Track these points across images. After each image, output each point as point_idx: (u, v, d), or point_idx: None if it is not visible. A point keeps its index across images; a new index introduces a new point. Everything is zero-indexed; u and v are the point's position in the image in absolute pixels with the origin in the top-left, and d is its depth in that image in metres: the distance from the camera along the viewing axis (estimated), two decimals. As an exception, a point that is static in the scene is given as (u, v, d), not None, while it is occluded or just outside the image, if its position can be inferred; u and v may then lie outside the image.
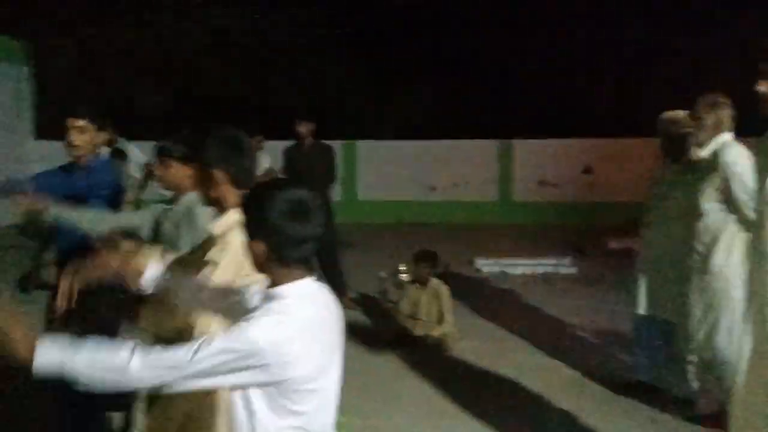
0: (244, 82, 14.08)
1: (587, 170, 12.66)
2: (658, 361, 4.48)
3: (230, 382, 1.67)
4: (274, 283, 1.73)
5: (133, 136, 8.71)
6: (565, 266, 8.51)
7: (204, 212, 2.79)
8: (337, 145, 10.13)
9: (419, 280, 5.91)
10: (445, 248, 9.30)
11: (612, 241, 9.49)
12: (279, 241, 1.68)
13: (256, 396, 1.67)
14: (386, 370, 5.16)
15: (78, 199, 3.47)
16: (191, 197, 2.95)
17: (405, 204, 12.68)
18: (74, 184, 3.56)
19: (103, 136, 3.56)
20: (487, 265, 8.60)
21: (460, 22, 13.86)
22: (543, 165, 12.69)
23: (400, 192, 12.73)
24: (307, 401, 1.69)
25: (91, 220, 3.30)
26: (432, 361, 5.34)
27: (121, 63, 15.05)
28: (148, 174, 6.93)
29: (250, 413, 1.69)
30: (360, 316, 6.50)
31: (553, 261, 8.64)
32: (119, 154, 7.52)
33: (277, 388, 1.65)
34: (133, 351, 1.65)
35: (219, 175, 2.35)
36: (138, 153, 8.10)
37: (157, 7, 13.99)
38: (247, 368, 1.61)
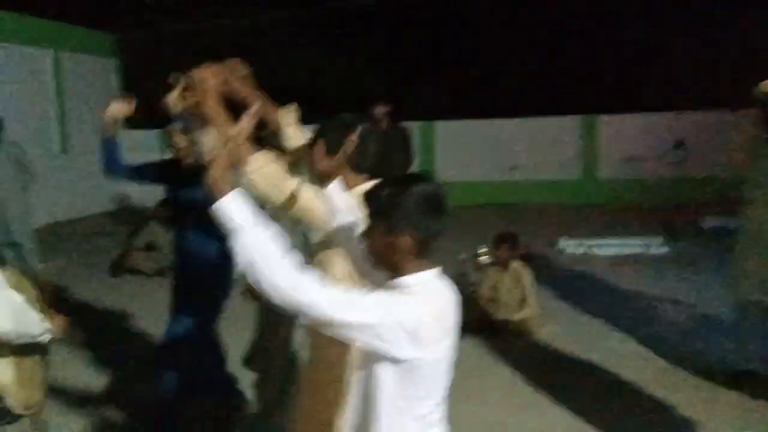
0: (322, 67, 14.09)
1: (678, 145, 12.02)
2: (762, 349, 4.15)
3: (372, 344, 1.67)
4: (400, 273, 1.77)
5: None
6: (656, 246, 8.09)
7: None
8: (414, 126, 10.02)
9: (500, 263, 5.73)
10: (526, 229, 9.07)
11: (706, 219, 9.04)
12: (425, 234, 1.74)
13: (383, 375, 1.71)
14: (466, 356, 5.01)
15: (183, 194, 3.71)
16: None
17: (485, 185, 12.42)
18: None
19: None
20: (571, 246, 8.29)
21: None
22: (630, 140, 12.13)
23: (479, 172, 12.46)
24: (427, 388, 1.74)
25: None
26: (514, 347, 5.17)
27: (200, 53, 15.37)
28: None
29: (372, 394, 1.74)
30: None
31: (642, 241, 8.23)
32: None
33: (402, 368, 1.69)
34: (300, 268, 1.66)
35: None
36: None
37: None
38: (386, 337, 1.64)
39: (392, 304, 1.67)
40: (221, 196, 1.71)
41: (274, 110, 2.71)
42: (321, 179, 2.23)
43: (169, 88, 3.51)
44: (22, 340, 1.98)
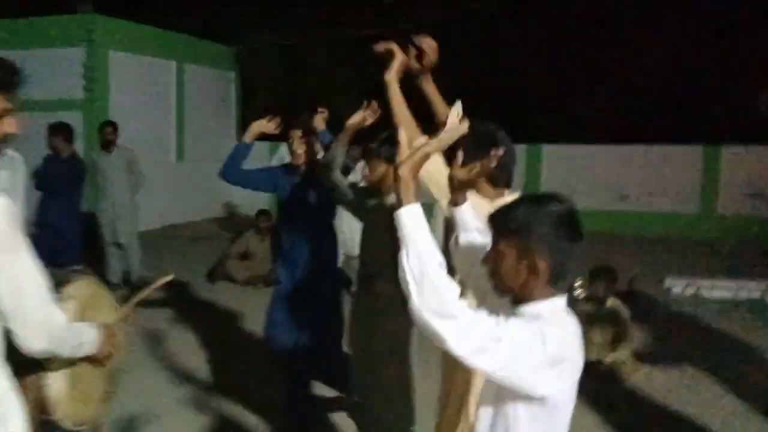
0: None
1: (811, 182, 11.04)
2: None
3: (512, 382, 1.56)
4: (527, 299, 1.65)
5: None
6: (776, 293, 7.39)
7: None
8: (520, 149, 9.71)
9: (594, 299, 5.39)
10: (633, 263, 8.59)
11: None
12: (561, 258, 1.62)
13: (520, 413, 1.60)
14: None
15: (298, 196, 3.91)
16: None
17: (592, 213, 11.88)
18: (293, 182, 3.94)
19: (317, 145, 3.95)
20: (679, 286, 7.71)
21: (657, 10, 12.71)
22: (756, 174, 11.26)
23: (587, 199, 11.94)
24: (561, 427, 1.64)
25: None
26: (603, 391, 4.80)
27: (315, 65, 15.74)
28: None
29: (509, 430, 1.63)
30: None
31: (760, 285, 7.54)
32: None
33: (539, 406, 1.58)
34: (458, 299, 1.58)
35: None
36: (285, 153, 8.55)
37: (359, 9, 14.30)
38: (527, 375, 1.53)
39: (534, 338, 1.54)
40: (405, 202, 1.64)
41: (444, 106, 2.64)
42: (453, 188, 2.11)
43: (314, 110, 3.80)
44: (63, 355, 1.95)
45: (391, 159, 2.96)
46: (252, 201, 12.00)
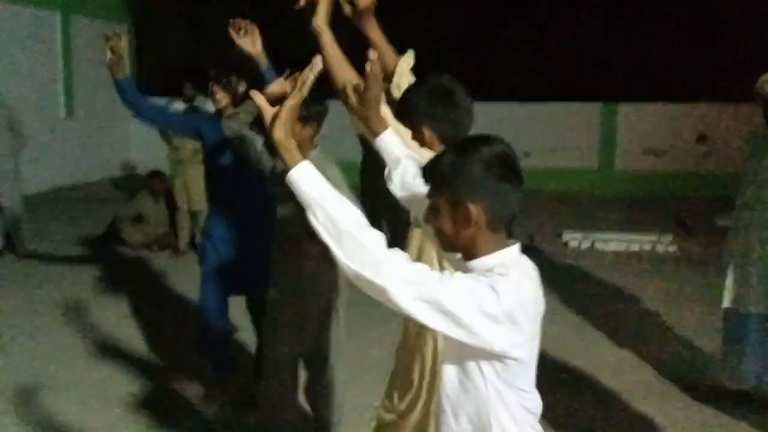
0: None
1: (701, 138, 11.54)
2: (752, 365, 3.81)
3: (465, 339, 1.45)
4: (476, 253, 1.54)
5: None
6: (665, 244, 7.72)
7: (332, 167, 2.91)
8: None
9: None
10: (534, 219, 8.75)
11: (721, 218, 8.59)
12: (498, 203, 1.52)
13: (484, 367, 1.52)
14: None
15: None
16: (311, 155, 2.82)
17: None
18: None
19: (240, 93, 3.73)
20: (575, 239, 7.94)
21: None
22: (651, 131, 11.68)
23: (492, 157, 12.10)
24: (526, 378, 1.56)
25: None
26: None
27: (220, 19, 15.08)
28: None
29: (474, 386, 1.55)
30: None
31: (651, 237, 7.85)
32: (195, 112, 7.43)
33: (503, 360, 1.50)
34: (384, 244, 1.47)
35: (427, 132, 2.16)
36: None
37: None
38: (480, 331, 1.43)
39: (485, 292, 1.43)
40: (292, 163, 1.53)
41: (392, 56, 2.41)
42: (362, 120, 1.97)
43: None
44: None
45: (301, 119, 2.80)
46: (151, 160, 11.48)
